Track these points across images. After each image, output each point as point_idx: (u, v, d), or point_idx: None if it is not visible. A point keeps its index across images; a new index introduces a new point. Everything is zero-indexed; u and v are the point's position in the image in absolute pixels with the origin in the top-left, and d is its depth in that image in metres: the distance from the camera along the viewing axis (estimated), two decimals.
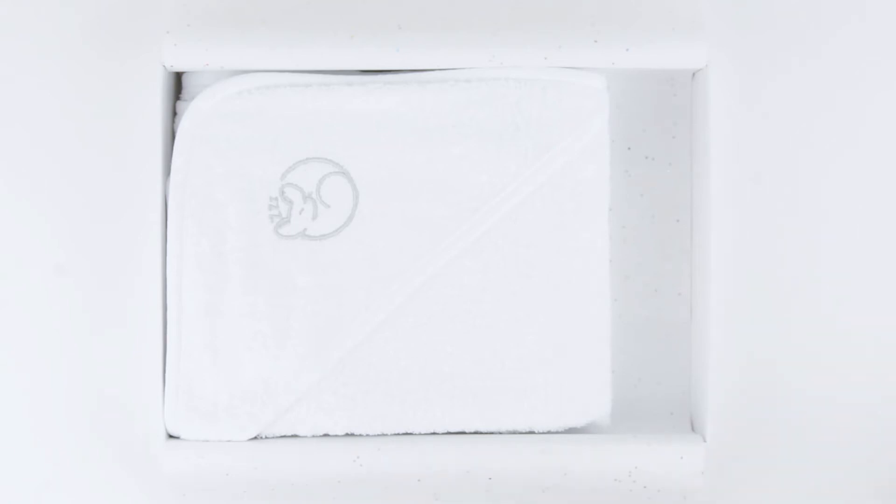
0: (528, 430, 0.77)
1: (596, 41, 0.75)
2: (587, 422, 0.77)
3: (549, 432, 0.77)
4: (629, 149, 0.81)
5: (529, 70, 0.75)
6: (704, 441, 0.76)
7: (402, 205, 0.76)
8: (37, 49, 0.81)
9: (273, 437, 0.76)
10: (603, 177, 0.78)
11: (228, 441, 0.76)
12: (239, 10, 0.76)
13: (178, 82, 0.78)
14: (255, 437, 0.76)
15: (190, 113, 0.76)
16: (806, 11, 0.82)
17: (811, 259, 0.81)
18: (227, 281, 0.76)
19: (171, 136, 0.77)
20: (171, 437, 0.76)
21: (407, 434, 0.76)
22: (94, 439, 0.81)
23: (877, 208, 0.81)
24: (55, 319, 0.81)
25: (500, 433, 0.77)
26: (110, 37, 0.81)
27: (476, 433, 0.77)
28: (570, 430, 0.77)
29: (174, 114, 0.78)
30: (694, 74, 0.79)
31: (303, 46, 0.75)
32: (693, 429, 0.80)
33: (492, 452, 0.75)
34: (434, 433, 0.76)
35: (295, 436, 0.76)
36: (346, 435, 0.77)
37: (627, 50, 0.75)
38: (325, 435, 0.77)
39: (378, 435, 0.76)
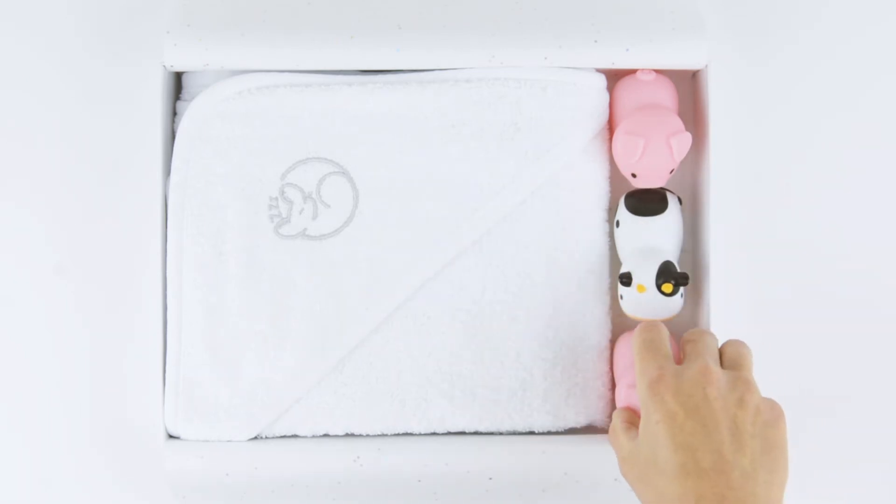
0: (528, 430, 0.77)
1: (596, 41, 0.75)
2: (587, 422, 0.77)
3: (549, 432, 0.77)
4: None
5: (529, 70, 0.75)
6: None
7: (402, 205, 0.76)
8: (37, 49, 0.81)
9: (273, 437, 0.76)
10: (603, 177, 0.78)
11: (228, 441, 0.76)
12: (239, 10, 0.76)
13: (178, 82, 0.78)
14: (255, 438, 0.76)
15: (190, 113, 0.76)
16: (806, 12, 0.82)
17: (811, 259, 0.81)
18: (227, 281, 0.76)
19: (171, 136, 0.77)
20: (171, 437, 0.76)
21: (407, 434, 0.76)
22: (94, 439, 0.81)
23: (876, 207, 0.81)
24: (55, 319, 0.81)
25: (500, 433, 0.77)
26: (111, 37, 0.81)
27: (476, 433, 0.77)
28: (570, 431, 0.77)
29: (174, 114, 0.78)
30: (694, 74, 0.79)
31: (303, 46, 0.75)
32: None
33: (492, 452, 0.75)
34: (434, 433, 0.76)
35: (295, 436, 0.76)
36: (346, 435, 0.77)
37: (627, 50, 0.75)
38: (325, 435, 0.76)
39: (378, 435, 0.76)
